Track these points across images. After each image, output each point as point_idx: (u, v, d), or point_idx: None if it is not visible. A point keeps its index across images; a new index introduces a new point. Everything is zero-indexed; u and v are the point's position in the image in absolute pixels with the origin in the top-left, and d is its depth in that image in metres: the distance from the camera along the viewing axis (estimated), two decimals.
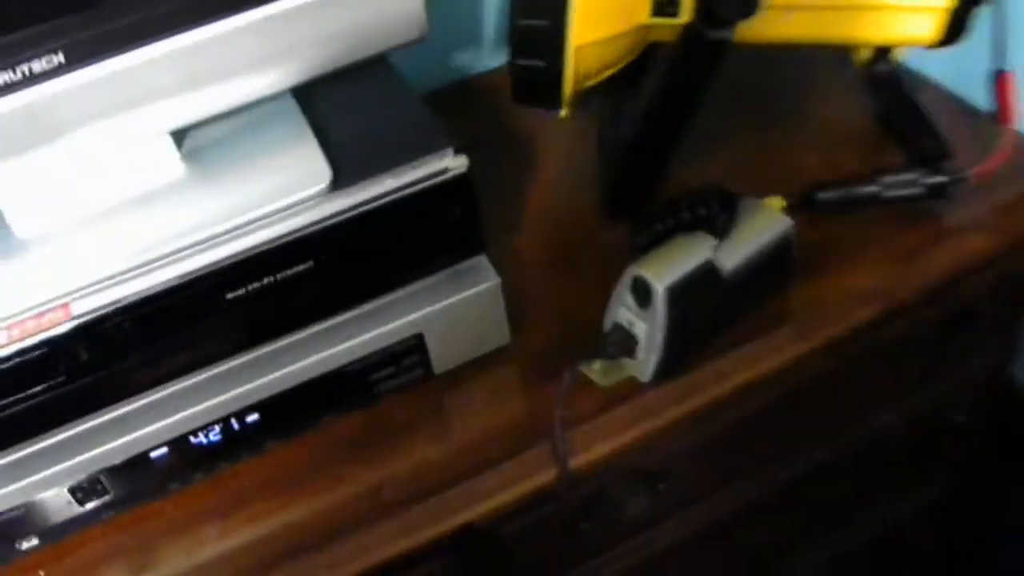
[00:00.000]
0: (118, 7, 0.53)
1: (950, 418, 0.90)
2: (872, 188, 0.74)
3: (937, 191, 0.73)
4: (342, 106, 0.65)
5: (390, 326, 0.63)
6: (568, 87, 0.66)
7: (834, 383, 0.77)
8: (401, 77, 0.67)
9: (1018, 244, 0.74)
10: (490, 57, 0.96)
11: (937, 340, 0.80)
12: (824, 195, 0.75)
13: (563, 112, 0.71)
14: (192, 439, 0.62)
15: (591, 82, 0.71)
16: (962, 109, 0.83)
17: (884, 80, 0.75)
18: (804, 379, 0.72)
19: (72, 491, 0.60)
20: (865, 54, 0.75)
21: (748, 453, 0.78)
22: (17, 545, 0.61)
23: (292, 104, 0.64)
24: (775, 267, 0.69)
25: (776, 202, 0.73)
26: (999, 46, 0.72)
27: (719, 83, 0.69)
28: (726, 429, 0.72)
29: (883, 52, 0.74)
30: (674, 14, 0.65)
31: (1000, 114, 0.75)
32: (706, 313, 0.65)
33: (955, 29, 0.71)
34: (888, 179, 0.74)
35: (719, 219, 0.66)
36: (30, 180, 0.58)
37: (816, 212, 0.75)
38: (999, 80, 0.74)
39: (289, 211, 0.58)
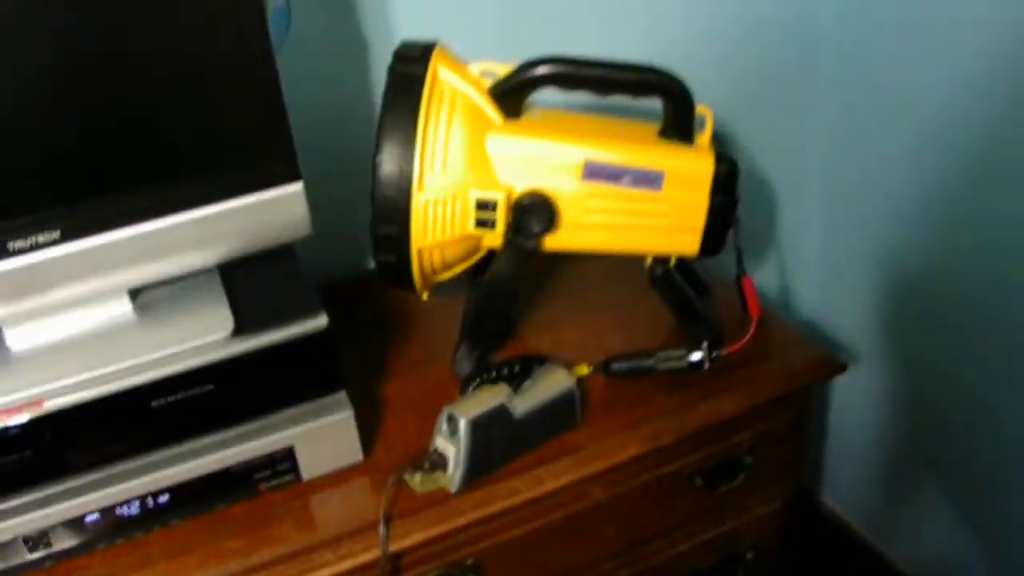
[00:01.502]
0: (100, 203, 0.81)
1: (739, 553, 1.12)
2: (651, 361, 0.99)
3: (697, 365, 0.98)
4: (250, 279, 0.92)
5: (269, 438, 0.88)
6: (416, 277, 0.93)
7: (620, 511, 0.99)
8: (297, 260, 0.94)
9: (759, 407, 0.98)
10: None
11: (707, 484, 1.03)
12: (616, 365, 1.00)
13: (423, 295, 0.98)
14: (117, 510, 0.85)
15: (445, 275, 0.98)
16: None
17: (661, 280, 1.01)
18: (591, 503, 0.96)
19: (25, 540, 0.83)
20: (647, 259, 1.02)
21: (553, 559, 1.00)
22: None
23: (215, 274, 0.91)
24: (563, 413, 0.93)
25: (581, 368, 0.98)
26: (739, 256, 0.99)
27: (550, 282, 0.95)
28: (529, 535, 0.94)
29: (660, 258, 1.01)
30: (492, 227, 0.92)
31: (746, 307, 1.01)
32: (500, 443, 0.89)
33: (712, 245, 0.97)
34: (663, 354, 0.99)
35: (517, 377, 0.91)
36: (25, 312, 0.85)
37: (611, 376, 0.99)
38: (742, 282, 1.00)
39: (202, 348, 0.84)
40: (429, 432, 0.92)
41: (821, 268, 1.56)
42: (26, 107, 0.78)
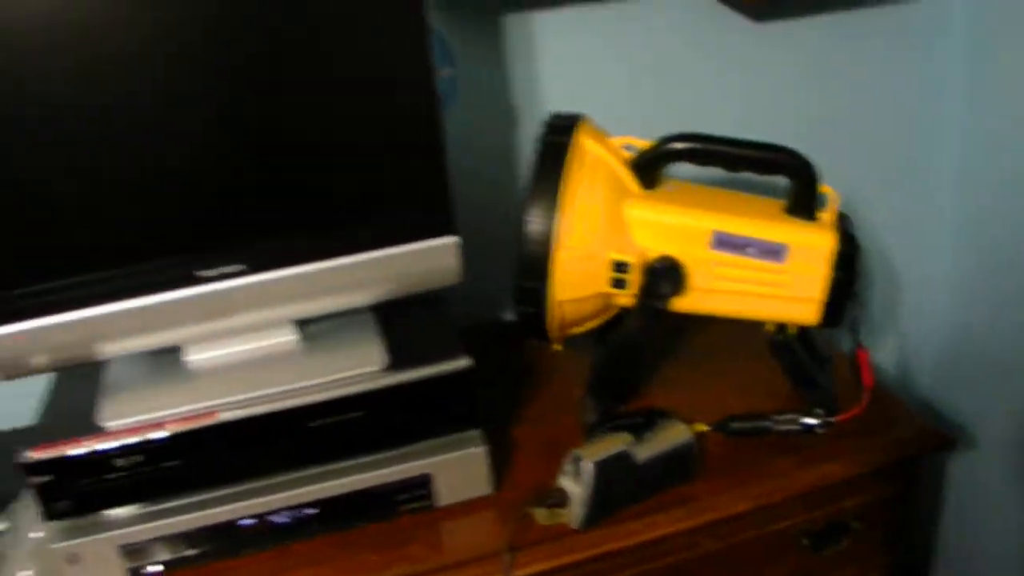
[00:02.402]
0: (280, 243, 0.92)
1: None
2: (766, 423, 1.04)
3: (811, 429, 1.03)
4: (401, 318, 1.02)
5: (409, 465, 0.96)
6: (552, 329, 1.01)
7: (726, 563, 1.04)
8: (443, 305, 1.04)
9: (867, 475, 1.03)
10: None
11: (813, 545, 1.07)
12: (733, 424, 1.06)
13: (556, 346, 1.06)
14: (270, 518, 0.95)
15: (577, 329, 1.06)
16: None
17: (781, 347, 1.07)
18: (700, 553, 1.01)
19: (186, 537, 0.94)
20: (769, 326, 1.08)
21: None
22: (143, 569, 0.95)
23: (370, 312, 1.01)
24: (680, 465, 1.00)
25: (700, 425, 1.04)
26: (856, 328, 1.04)
27: (676, 343, 1.02)
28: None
29: (781, 326, 1.06)
30: (625, 287, 1.00)
31: (860, 377, 1.06)
32: (621, 487, 0.96)
33: (831, 316, 1.03)
34: (778, 417, 1.04)
35: (639, 428, 0.98)
36: (206, 334, 0.96)
37: (728, 434, 1.05)
38: (858, 353, 1.05)
39: (357, 378, 0.94)
40: (552, 472, 0.99)
41: (942, 346, 1.58)
42: (223, 156, 0.90)
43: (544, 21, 1.23)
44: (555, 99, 1.26)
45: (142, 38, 0.84)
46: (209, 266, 0.92)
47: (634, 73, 1.29)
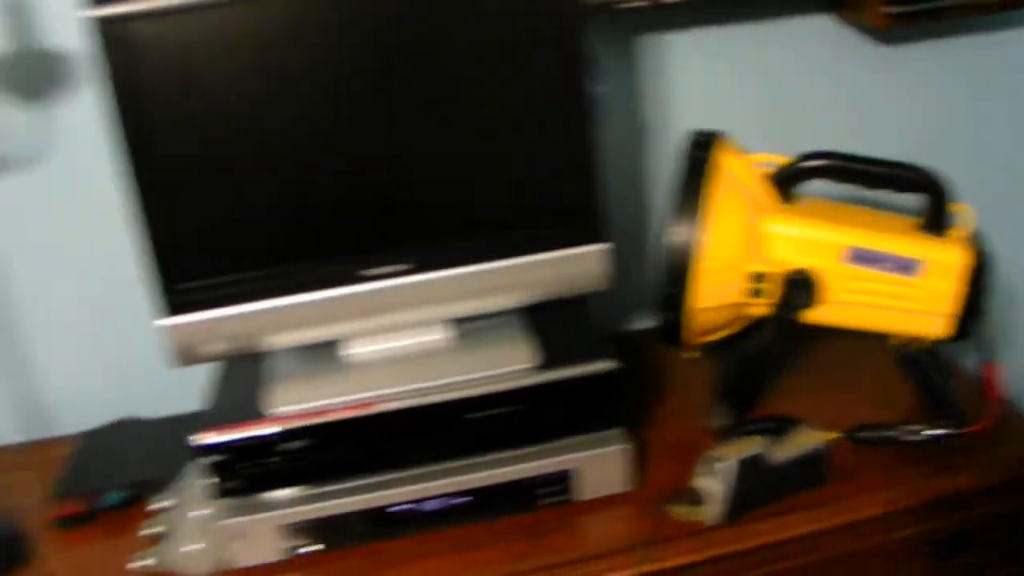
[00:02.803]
0: (443, 245, 0.98)
1: None
2: (893, 433, 1.08)
3: (937, 440, 1.06)
4: (549, 320, 1.07)
5: (553, 459, 1.01)
6: (689, 336, 1.06)
7: (850, 569, 1.08)
8: (587, 308, 1.09)
9: (991, 488, 1.05)
10: None
11: (936, 554, 1.10)
12: (862, 434, 1.09)
13: (690, 353, 1.11)
14: (423, 504, 1.01)
15: (710, 337, 1.10)
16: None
17: (909, 359, 1.10)
18: (824, 556, 1.05)
19: (344, 519, 1.00)
20: (896, 339, 1.11)
21: None
22: (300, 547, 1.01)
23: (518, 314, 1.07)
24: (811, 470, 1.03)
25: (830, 434, 1.08)
26: (987, 342, 1.07)
27: (804, 353, 1.06)
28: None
29: (910, 339, 1.10)
30: (762, 297, 1.04)
31: (987, 391, 1.09)
32: (754, 487, 1.00)
33: (961, 330, 1.06)
34: (905, 428, 1.08)
35: (771, 433, 1.02)
36: (367, 329, 1.02)
37: (857, 443, 1.09)
38: (985, 367, 1.08)
39: (510, 375, 0.99)
40: (684, 473, 1.03)
41: None
42: (392, 166, 0.96)
43: (674, 42, 1.28)
44: (684, 117, 1.31)
45: (322, 71, 0.91)
46: (373, 265, 0.98)
47: (760, 92, 1.33)
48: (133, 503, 1.11)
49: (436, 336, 1.04)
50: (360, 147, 0.96)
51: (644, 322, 1.41)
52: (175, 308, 0.97)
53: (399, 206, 0.98)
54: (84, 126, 1.18)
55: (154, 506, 1.07)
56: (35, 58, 1.14)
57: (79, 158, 1.19)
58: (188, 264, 0.97)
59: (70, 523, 1.10)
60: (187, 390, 1.19)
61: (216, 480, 0.99)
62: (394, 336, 1.04)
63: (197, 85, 0.91)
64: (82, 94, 1.17)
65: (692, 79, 1.30)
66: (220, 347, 0.99)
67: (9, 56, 1.13)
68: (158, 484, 1.10)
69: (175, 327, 0.97)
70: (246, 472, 0.99)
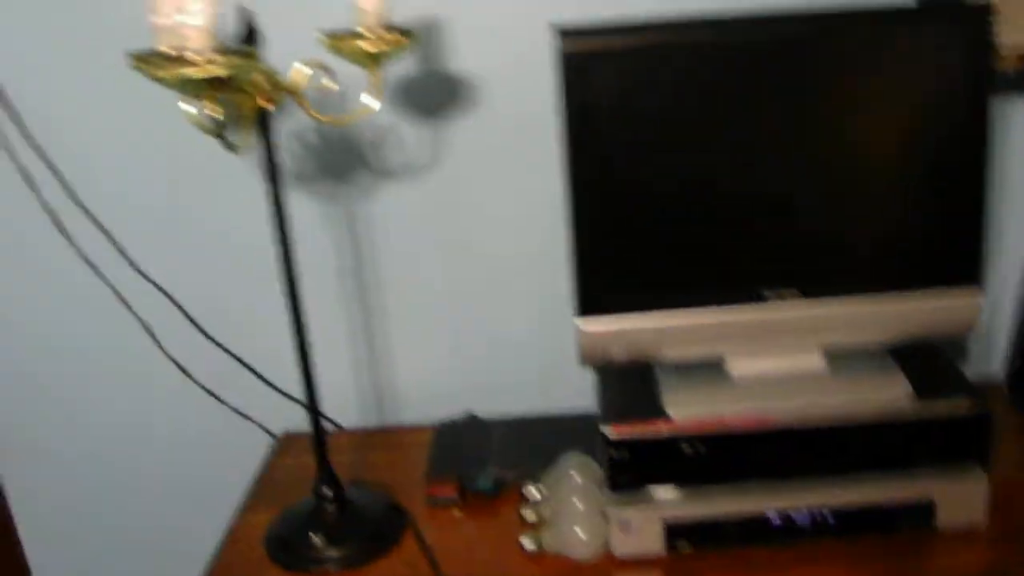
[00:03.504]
0: (830, 276, 1.07)
1: None
2: None
3: None
4: (911, 358, 1.14)
5: (916, 488, 1.08)
6: None
7: None
8: (946, 350, 1.16)
9: None
10: None
11: None
12: None
13: None
14: (793, 517, 1.08)
15: None
16: None
17: None
18: None
19: (721, 523, 1.08)
20: None
21: None
22: (676, 544, 1.09)
23: (885, 350, 1.14)
24: None
25: None
26: None
27: None
28: None
29: None
30: None
31: None
32: None
33: None
34: None
35: None
36: (753, 348, 1.11)
37: None
38: None
39: (886, 404, 1.07)
40: None
41: None
42: (799, 205, 1.06)
43: None
44: None
45: (743, 113, 1.03)
46: (768, 287, 1.07)
47: None
48: (501, 489, 1.21)
49: (814, 361, 1.12)
50: (767, 182, 1.06)
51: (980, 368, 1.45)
52: (594, 311, 1.07)
53: (794, 236, 1.07)
54: (467, 143, 1.30)
55: (531, 493, 1.17)
56: (436, 80, 1.27)
57: (461, 171, 1.31)
58: (608, 273, 1.07)
59: (444, 502, 1.20)
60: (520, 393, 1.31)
61: (612, 472, 1.08)
62: (775, 357, 1.12)
63: (635, 113, 1.03)
64: (468, 114, 1.29)
65: None
66: (623, 351, 1.09)
67: (416, 76, 1.26)
68: (523, 474, 1.20)
69: (590, 330, 1.08)
70: (642, 468, 1.08)
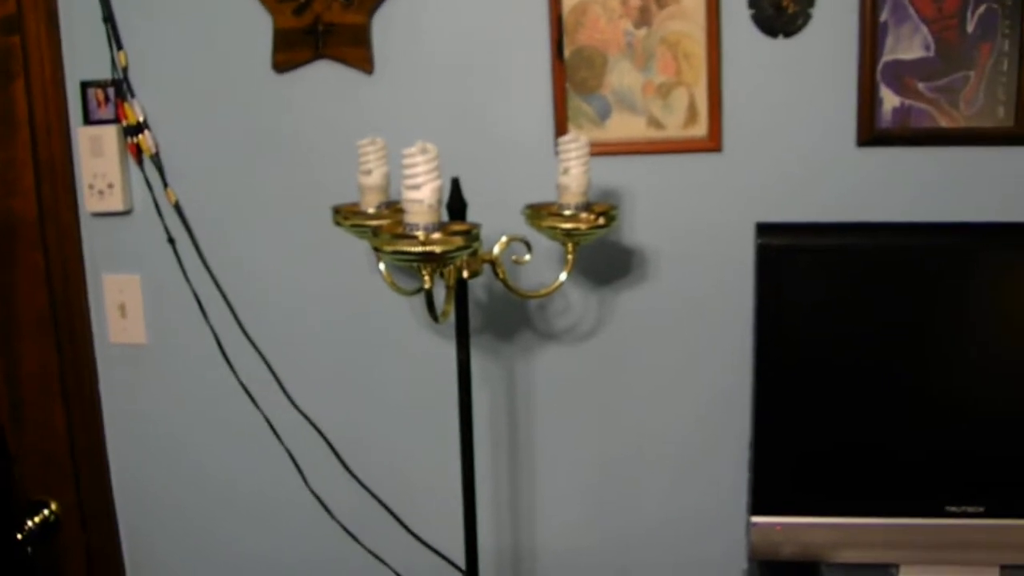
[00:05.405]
0: (1011, 495, 1.04)
1: None
2: None
3: None
4: None
5: None
6: None
7: None
8: None
9: None
10: None
11: None
12: None
13: None
14: None
15: None
16: None
17: None
18: None
19: None
20: None
21: None
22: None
23: None
24: None
25: None
26: None
27: None
28: None
29: None
30: None
31: None
32: None
33: None
34: None
35: None
36: (926, 559, 1.07)
37: None
38: None
39: None
40: None
41: None
42: (979, 417, 1.03)
43: None
44: None
45: (935, 329, 1.02)
46: (953, 503, 1.04)
47: None
48: None
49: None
50: (961, 394, 1.04)
51: None
52: (771, 510, 1.05)
53: (984, 452, 1.05)
54: (633, 316, 1.30)
55: None
56: (610, 248, 1.28)
57: (625, 341, 1.31)
58: (790, 472, 1.06)
59: None
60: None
61: None
62: (952, 572, 1.08)
63: (828, 310, 1.03)
64: (637, 286, 1.29)
65: None
66: (796, 550, 1.06)
67: (591, 243, 1.28)
68: None
69: (763, 525, 1.06)
70: None
